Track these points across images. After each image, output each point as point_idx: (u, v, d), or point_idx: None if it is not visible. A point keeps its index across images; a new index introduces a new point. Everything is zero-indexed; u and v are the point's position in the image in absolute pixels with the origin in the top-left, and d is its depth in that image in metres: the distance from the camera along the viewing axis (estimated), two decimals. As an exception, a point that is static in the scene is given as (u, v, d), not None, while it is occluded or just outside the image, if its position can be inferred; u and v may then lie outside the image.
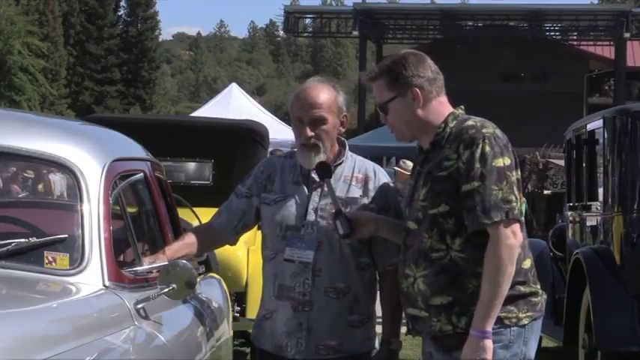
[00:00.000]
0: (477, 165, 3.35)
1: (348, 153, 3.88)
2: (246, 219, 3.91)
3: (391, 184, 3.88)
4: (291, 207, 3.79)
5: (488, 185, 3.34)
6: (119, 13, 62.96)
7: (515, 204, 3.36)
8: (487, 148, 3.37)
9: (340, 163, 3.83)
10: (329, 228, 3.71)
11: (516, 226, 3.36)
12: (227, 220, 3.92)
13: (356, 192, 3.79)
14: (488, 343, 3.34)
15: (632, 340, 7.22)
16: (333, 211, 3.69)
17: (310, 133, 3.75)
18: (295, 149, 3.86)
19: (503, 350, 3.41)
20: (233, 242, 4.01)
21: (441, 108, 3.53)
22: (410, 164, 13.66)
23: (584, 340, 7.90)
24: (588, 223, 8.52)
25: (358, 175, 3.82)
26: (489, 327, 3.34)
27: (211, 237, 3.96)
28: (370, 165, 3.90)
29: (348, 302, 3.76)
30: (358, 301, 3.78)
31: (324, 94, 3.78)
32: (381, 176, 3.86)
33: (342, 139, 3.90)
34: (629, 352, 7.24)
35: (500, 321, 3.39)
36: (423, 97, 3.50)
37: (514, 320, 3.43)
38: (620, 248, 7.59)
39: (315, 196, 3.77)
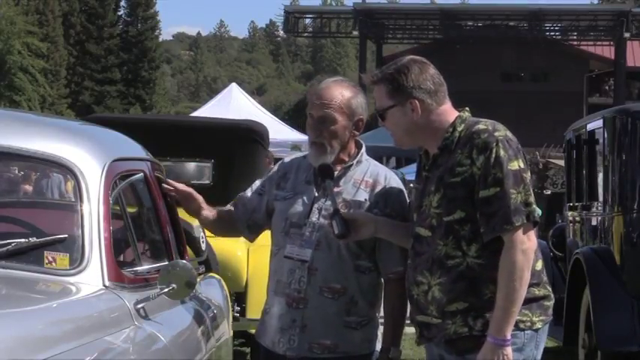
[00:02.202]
0: (493, 170, 3.33)
1: (364, 156, 3.86)
2: (255, 216, 3.92)
3: (402, 193, 3.81)
4: (298, 205, 3.80)
5: (507, 190, 3.31)
6: (119, 13, 62.96)
7: (534, 206, 3.36)
8: (501, 152, 3.34)
9: (351, 166, 3.81)
10: (329, 228, 3.71)
11: (531, 230, 3.35)
12: (241, 211, 3.94)
13: (362, 195, 3.78)
14: (509, 351, 3.32)
15: (632, 340, 7.22)
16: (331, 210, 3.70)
17: (316, 131, 3.76)
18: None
19: (517, 353, 3.39)
20: (249, 239, 4.04)
21: (445, 115, 3.51)
22: None
23: (584, 340, 7.90)
24: (588, 223, 8.52)
25: (368, 180, 3.80)
26: (508, 334, 3.32)
27: (231, 223, 3.96)
28: (383, 171, 3.86)
29: (345, 303, 3.74)
30: (355, 303, 3.76)
31: (337, 95, 3.76)
32: (392, 183, 3.81)
33: (360, 141, 3.89)
34: (629, 352, 7.24)
35: (515, 324, 3.37)
36: (422, 109, 3.48)
37: (528, 324, 3.42)
38: (620, 248, 7.59)
39: (323, 197, 3.77)
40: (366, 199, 3.77)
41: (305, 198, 3.80)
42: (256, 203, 3.92)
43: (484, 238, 3.36)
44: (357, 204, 3.76)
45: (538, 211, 3.47)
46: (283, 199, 3.85)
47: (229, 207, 3.98)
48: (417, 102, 3.48)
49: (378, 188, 3.79)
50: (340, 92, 3.77)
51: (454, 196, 3.39)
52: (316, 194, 3.79)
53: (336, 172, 3.79)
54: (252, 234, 4.00)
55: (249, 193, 3.95)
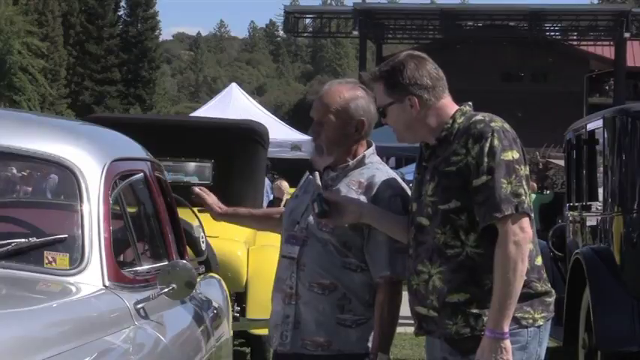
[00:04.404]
0: (486, 159, 3.33)
1: (368, 159, 3.84)
2: None
3: (395, 198, 3.74)
4: (301, 204, 3.84)
5: (497, 179, 3.31)
6: (119, 13, 63.05)
7: (524, 197, 3.33)
8: (496, 142, 3.34)
9: (347, 167, 3.81)
10: (316, 224, 3.74)
11: (525, 221, 3.33)
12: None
13: (353, 195, 3.76)
14: (508, 344, 3.29)
15: (632, 340, 7.22)
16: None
17: (314, 134, 3.81)
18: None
19: (521, 352, 3.38)
20: None
21: (444, 109, 3.51)
22: (285, 185, 14.34)
23: (584, 340, 7.90)
24: (588, 223, 8.52)
25: (362, 181, 3.79)
26: (506, 327, 3.30)
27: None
28: (381, 176, 3.80)
29: (337, 300, 3.73)
30: (349, 301, 3.74)
31: (335, 98, 3.78)
32: (386, 189, 3.75)
33: (371, 141, 3.88)
34: (629, 352, 7.24)
35: (517, 321, 3.36)
36: (420, 104, 3.49)
37: (530, 321, 3.40)
38: (620, 248, 7.59)
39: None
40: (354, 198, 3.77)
41: (308, 197, 3.83)
42: None
43: (479, 226, 3.36)
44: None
45: (530, 204, 3.44)
46: (295, 198, 3.92)
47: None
48: (415, 98, 3.49)
49: (370, 192, 3.76)
50: (339, 95, 3.79)
51: (449, 185, 3.40)
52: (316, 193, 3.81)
53: (334, 173, 3.81)
54: None
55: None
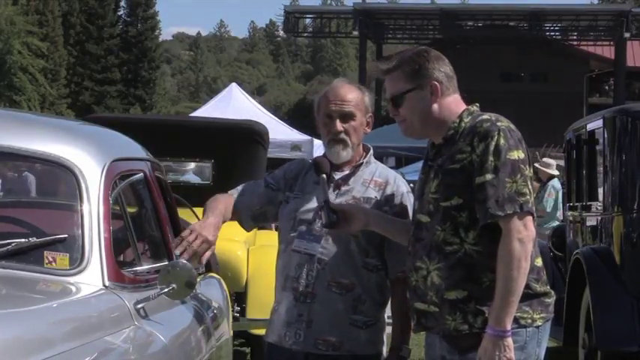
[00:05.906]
0: (491, 158, 3.33)
1: (372, 159, 3.94)
2: (267, 209, 3.94)
3: (409, 194, 3.87)
4: (307, 203, 3.85)
5: (501, 178, 3.32)
6: (119, 13, 63.07)
7: (529, 197, 3.34)
8: (502, 141, 3.35)
9: (360, 165, 3.87)
10: (318, 219, 3.76)
11: (529, 220, 3.33)
12: (247, 201, 3.93)
13: (372, 194, 3.83)
14: (510, 341, 3.30)
15: (632, 340, 7.22)
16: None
17: (340, 128, 3.82)
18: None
19: (519, 351, 3.37)
20: (247, 228, 4.02)
21: (455, 105, 3.53)
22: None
23: (584, 340, 7.90)
24: (588, 223, 8.52)
25: (377, 180, 3.87)
26: (509, 325, 3.30)
27: (228, 212, 3.91)
28: (392, 173, 3.95)
29: (352, 300, 3.77)
30: (363, 302, 3.78)
31: (353, 93, 3.87)
32: (400, 184, 3.89)
33: (368, 145, 3.96)
34: (629, 352, 7.24)
35: (515, 321, 3.36)
36: (441, 91, 3.50)
37: (529, 321, 3.40)
38: (620, 248, 7.59)
39: (332, 195, 3.81)
40: (375, 197, 3.82)
41: (315, 196, 3.84)
42: (272, 196, 3.93)
43: (479, 223, 3.36)
44: (367, 201, 3.82)
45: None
46: (292, 199, 3.90)
47: (232, 195, 3.95)
48: (436, 84, 3.49)
49: (388, 189, 3.85)
50: (355, 90, 3.89)
51: (452, 182, 3.41)
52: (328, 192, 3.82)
53: (345, 171, 3.86)
54: (254, 223, 4.00)
55: (262, 184, 3.96)
